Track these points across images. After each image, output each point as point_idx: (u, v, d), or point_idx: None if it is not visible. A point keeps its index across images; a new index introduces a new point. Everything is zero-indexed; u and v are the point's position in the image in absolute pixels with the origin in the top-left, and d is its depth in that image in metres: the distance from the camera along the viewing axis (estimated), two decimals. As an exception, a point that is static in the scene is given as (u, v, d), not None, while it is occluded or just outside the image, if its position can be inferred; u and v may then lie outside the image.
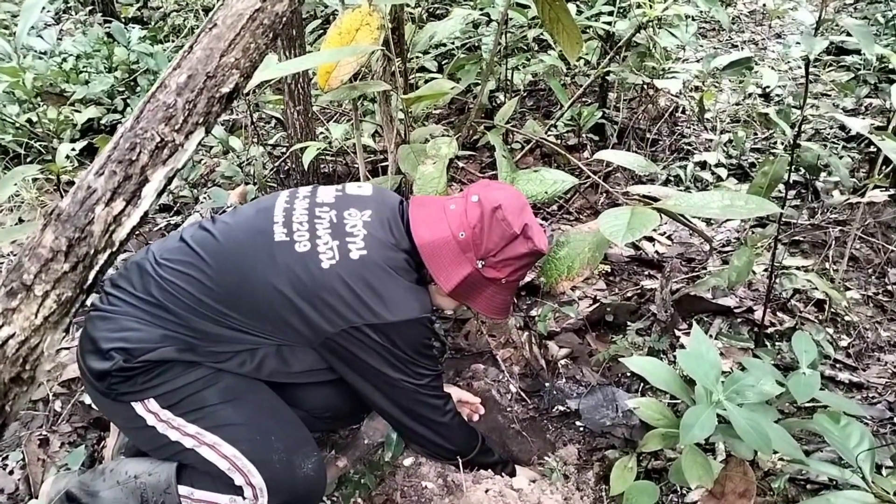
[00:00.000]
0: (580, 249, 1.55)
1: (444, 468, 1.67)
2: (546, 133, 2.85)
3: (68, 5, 5.05)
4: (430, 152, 1.76)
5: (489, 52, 2.90)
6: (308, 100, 2.58)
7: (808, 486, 1.58)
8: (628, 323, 2.13)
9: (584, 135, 3.14)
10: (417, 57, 3.17)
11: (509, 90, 3.18)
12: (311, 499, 1.49)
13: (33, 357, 0.98)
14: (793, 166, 1.68)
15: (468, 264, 1.46)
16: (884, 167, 2.43)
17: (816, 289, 2.05)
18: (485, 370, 2.03)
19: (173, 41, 4.28)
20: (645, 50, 2.87)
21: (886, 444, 1.63)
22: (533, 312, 2.23)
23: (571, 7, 2.48)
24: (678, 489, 1.60)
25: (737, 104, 3.52)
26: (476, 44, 3.35)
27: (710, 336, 2.06)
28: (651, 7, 2.48)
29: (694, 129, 3.35)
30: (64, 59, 3.67)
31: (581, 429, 1.85)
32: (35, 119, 3.06)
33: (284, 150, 2.99)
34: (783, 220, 1.95)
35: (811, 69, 1.80)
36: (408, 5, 2.46)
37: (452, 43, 3.46)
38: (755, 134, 3.25)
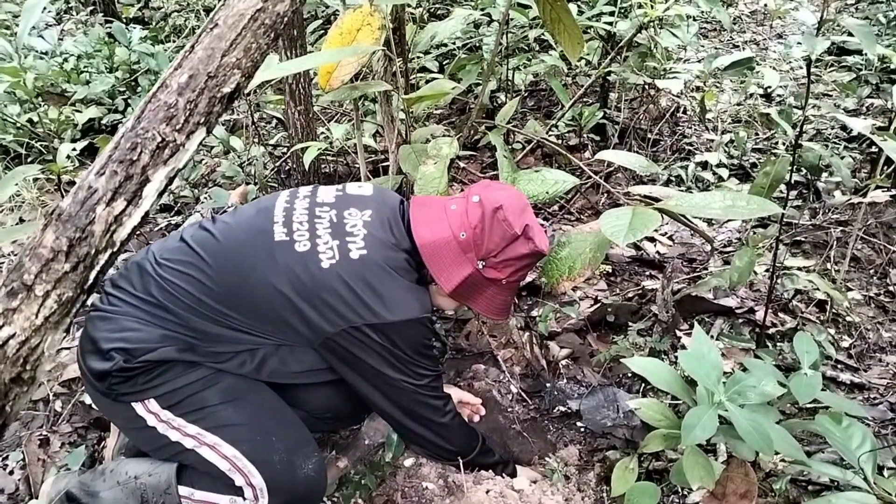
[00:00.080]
0: (581, 250, 1.55)
1: (444, 469, 1.67)
2: (547, 133, 2.85)
3: (69, 5, 5.06)
4: (431, 152, 1.75)
5: (490, 52, 2.90)
6: (309, 100, 2.58)
7: (810, 488, 1.58)
8: (629, 323, 2.13)
9: (585, 135, 3.14)
10: (418, 57, 3.17)
11: (510, 90, 3.18)
12: (311, 499, 1.49)
13: (34, 357, 0.98)
14: (794, 167, 1.68)
15: (469, 265, 1.46)
16: (885, 167, 2.43)
17: (818, 289, 2.05)
18: (486, 370, 2.03)
19: (174, 41, 4.28)
20: (646, 50, 2.87)
21: (888, 445, 1.63)
22: (534, 313, 2.22)
23: (572, 7, 2.47)
24: (679, 490, 1.60)
25: (738, 104, 3.51)
26: (477, 44, 3.35)
27: (712, 337, 2.05)
28: (652, 7, 2.48)
29: (695, 129, 3.35)
30: (65, 59, 3.67)
31: (582, 429, 1.85)
32: (36, 119, 3.06)
33: (285, 150, 3.00)
34: (784, 220, 1.95)
35: (813, 69, 1.80)
36: (409, 5, 2.46)
37: (453, 43, 3.46)
38: (756, 134, 3.25)
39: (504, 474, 1.67)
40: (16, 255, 1.70)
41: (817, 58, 3.56)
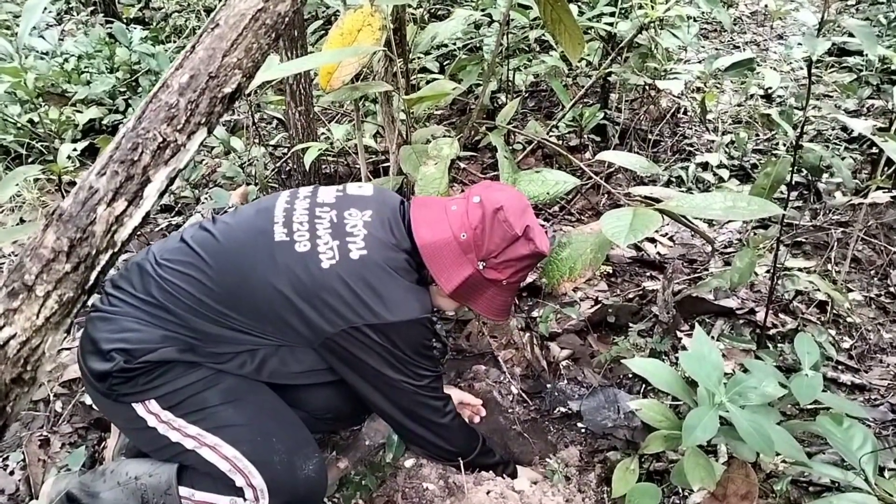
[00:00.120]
0: (582, 250, 1.55)
1: (445, 470, 1.66)
2: (548, 134, 2.85)
3: (70, 6, 5.06)
4: (431, 153, 1.75)
5: (491, 52, 2.91)
6: (310, 100, 2.58)
7: (811, 489, 1.58)
8: (630, 324, 2.13)
9: (585, 136, 3.14)
10: (419, 58, 3.17)
11: (511, 91, 3.18)
12: (312, 500, 1.49)
13: (34, 358, 0.98)
14: (795, 167, 1.68)
15: (469, 265, 1.46)
16: (886, 168, 2.43)
17: (818, 290, 2.05)
18: (486, 371, 2.02)
19: (175, 42, 4.28)
20: (647, 51, 2.87)
21: (889, 446, 1.63)
22: (534, 313, 2.22)
23: (573, 8, 2.47)
24: (680, 491, 1.60)
25: (739, 105, 3.51)
26: (478, 45, 3.35)
27: (712, 337, 2.05)
28: (653, 8, 2.48)
29: (696, 130, 3.35)
30: (65, 60, 3.68)
31: (583, 430, 1.85)
32: (37, 119, 3.06)
33: (286, 150, 3.00)
34: (785, 221, 1.94)
35: (813, 70, 1.80)
36: (410, 6, 2.46)
37: (454, 44, 3.46)
38: (757, 135, 3.25)
39: (505, 475, 1.67)
40: (17, 255, 1.70)
41: (818, 59, 3.56)
